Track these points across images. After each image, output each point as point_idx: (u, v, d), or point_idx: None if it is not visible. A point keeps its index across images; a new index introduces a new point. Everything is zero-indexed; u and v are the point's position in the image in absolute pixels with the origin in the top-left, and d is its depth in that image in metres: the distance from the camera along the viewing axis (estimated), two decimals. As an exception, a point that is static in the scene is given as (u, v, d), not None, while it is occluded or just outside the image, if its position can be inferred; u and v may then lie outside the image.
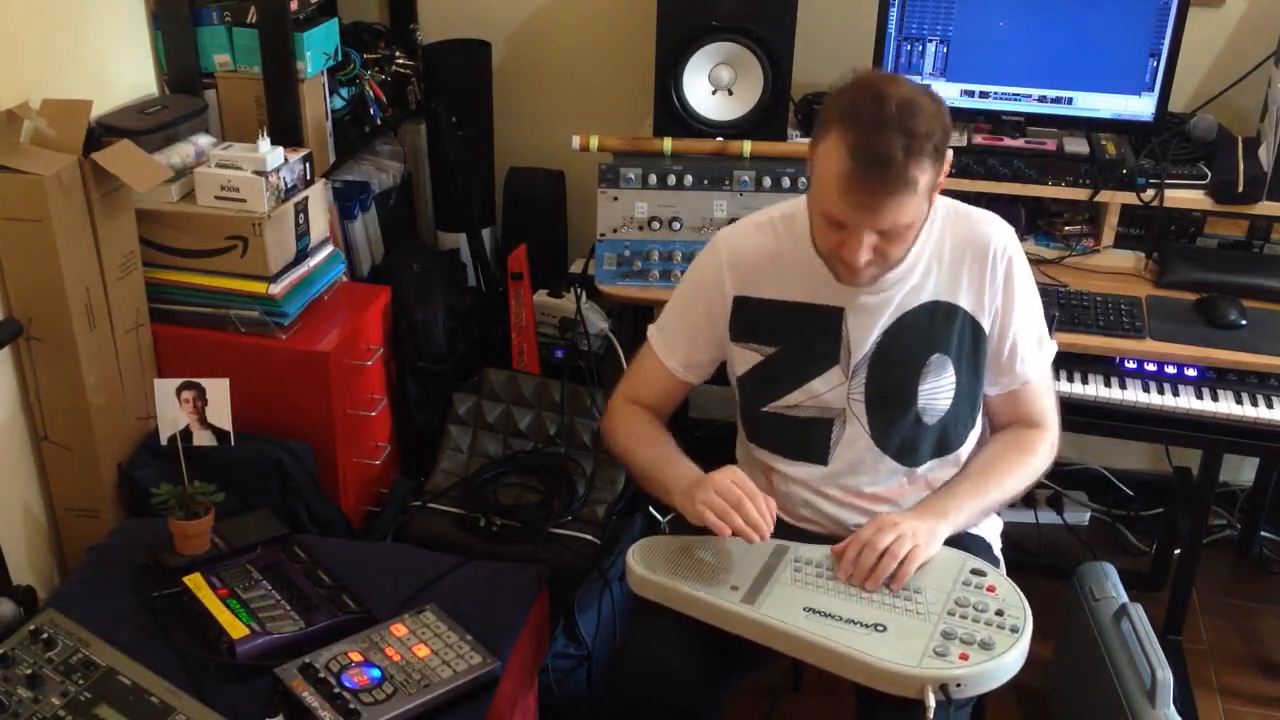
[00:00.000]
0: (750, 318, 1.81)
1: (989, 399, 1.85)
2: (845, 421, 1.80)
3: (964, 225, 1.76)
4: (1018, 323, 1.78)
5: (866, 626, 1.60)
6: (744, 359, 1.83)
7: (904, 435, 1.79)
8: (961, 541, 1.77)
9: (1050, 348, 1.86)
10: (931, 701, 1.51)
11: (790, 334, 1.79)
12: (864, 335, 1.76)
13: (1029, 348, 1.80)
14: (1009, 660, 1.56)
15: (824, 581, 1.68)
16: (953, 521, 1.73)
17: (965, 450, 1.85)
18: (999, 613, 1.61)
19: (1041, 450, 1.82)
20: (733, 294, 1.80)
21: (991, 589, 1.65)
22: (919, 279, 1.74)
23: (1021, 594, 1.65)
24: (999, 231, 1.77)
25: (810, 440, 1.82)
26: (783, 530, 1.84)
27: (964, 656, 1.54)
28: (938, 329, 1.76)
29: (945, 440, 1.81)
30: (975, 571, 1.69)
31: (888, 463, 1.80)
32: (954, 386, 1.77)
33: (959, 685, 1.53)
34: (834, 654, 1.58)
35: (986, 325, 1.77)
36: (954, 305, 1.76)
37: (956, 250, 1.75)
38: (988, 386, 1.83)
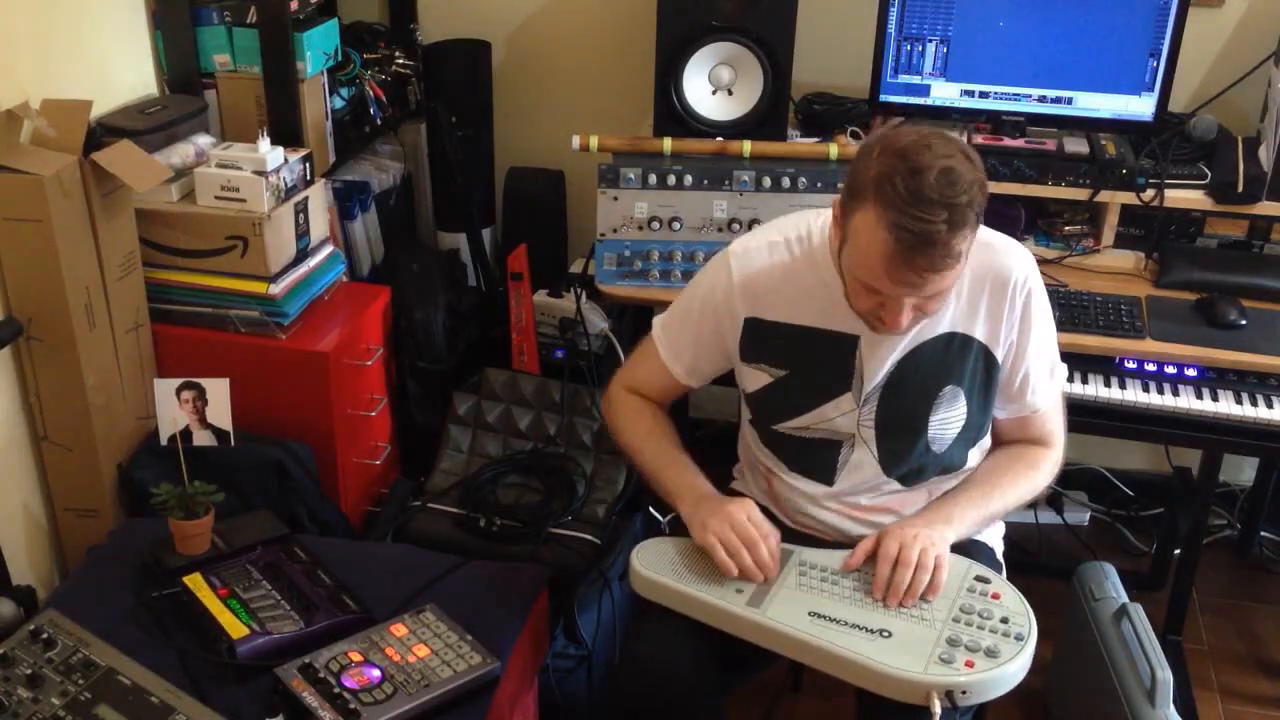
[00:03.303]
0: (761, 340, 1.78)
1: (997, 420, 1.84)
2: (854, 446, 1.78)
3: (985, 254, 1.70)
4: (1032, 355, 1.76)
5: (871, 632, 1.60)
6: (754, 379, 1.81)
7: (911, 463, 1.78)
8: (965, 547, 1.77)
9: (1061, 373, 1.85)
10: (937, 709, 1.51)
11: (802, 359, 1.76)
12: (878, 364, 1.73)
13: (1041, 378, 1.79)
14: (1014, 668, 1.55)
15: (829, 586, 1.68)
16: (957, 529, 1.73)
17: (970, 464, 1.84)
18: (1004, 620, 1.61)
19: (1045, 467, 1.82)
20: (744, 315, 1.77)
21: (996, 596, 1.65)
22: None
23: (1026, 602, 1.65)
24: (1019, 263, 1.72)
25: (817, 460, 1.81)
26: (784, 533, 1.84)
27: (970, 664, 1.54)
28: (953, 360, 1.73)
29: (950, 464, 1.81)
30: (980, 578, 1.69)
31: (891, 484, 1.80)
32: (964, 417, 1.76)
33: (964, 693, 1.53)
34: (839, 659, 1.57)
35: (1000, 355, 1.75)
36: (969, 337, 1.73)
37: (976, 281, 1.71)
38: (997, 410, 1.82)
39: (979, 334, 1.74)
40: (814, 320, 1.74)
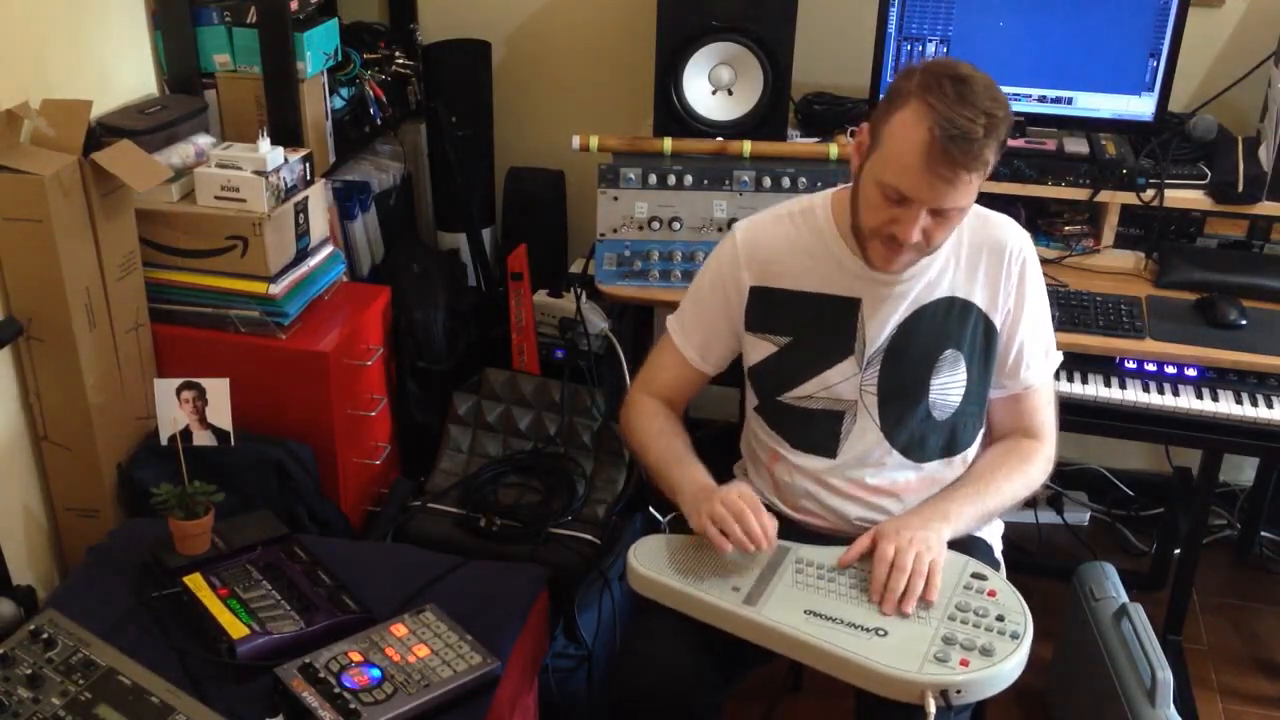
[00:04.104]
0: (766, 308, 1.82)
1: (991, 402, 1.85)
2: (856, 414, 1.80)
3: (982, 226, 1.78)
4: (1027, 326, 1.79)
5: (867, 630, 1.60)
6: (758, 349, 1.83)
7: (913, 430, 1.79)
8: (963, 544, 1.77)
9: (1056, 358, 1.86)
10: (932, 707, 1.51)
11: (805, 324, 1.80)
12: (879, 327, 1.77)
13: (1035, 354, 1.81)
14: (1009, 667, 1.55)
15: (825, 584, 1.68)
16: (954, 526, 1.73)
17: (972, 451, 1.85)
18: (1000, 618, 1.61)
19: (1038, 461, 1.83)
20: (749, 284, 1.81)
21: (992, 593, 1.65)
22: (936, 274, 1.76)
23: (1022, 599, 1.65)
24: (1015, 234, 1.79)
25: (820, 432, 1.82)
26: (782, 525, 1.83)
27: (964, 662, 1.54)
28: (953, 324, 1.77)
29: (953, 439, 1.82)
30: (976, 575, 1.69)
31: (895, 457, 1.81)
32: (965, 383, 1.78)
33: (959, 691, 1.53)
34: (834, 657, 1.57)
35: (998, 323, 1.78)
36: (969, 302, 1.77)
37: (974, 248, 1.77)
38: (992, 389, 1.83)
39: (978, 300, 1.77)
40: (817, 285, 1.79)
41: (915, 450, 1.81)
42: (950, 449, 1.82)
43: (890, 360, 1.78)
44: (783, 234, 1.81)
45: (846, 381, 1.79)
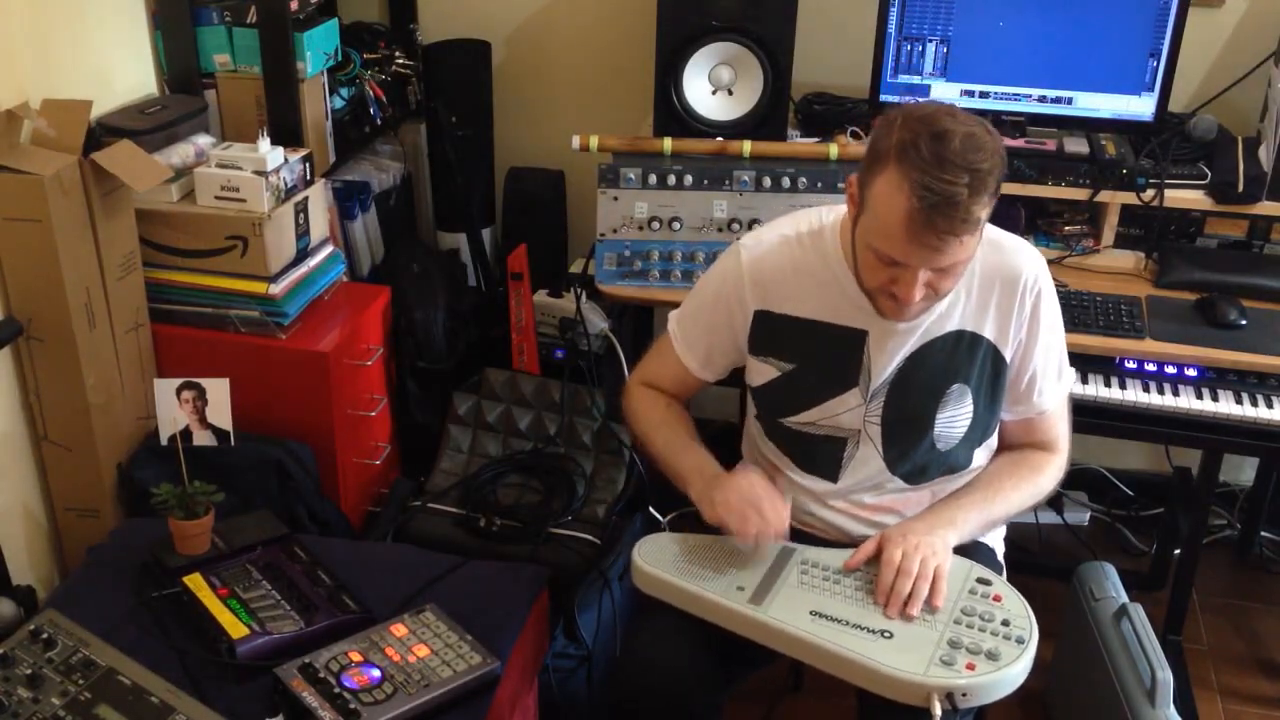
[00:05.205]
0: (770, 333, 1.78)
1: (1004, 422, 1.84)
2: (859, 442, 1.78)
3: (994, 253, 1.71)
4: (1040, 355, 1.76)
5: (873, 632, 1.59)
6: (761, 372, 1.81)
7: (916, 460, 1.78)
8: (965, 549, 1.76)
9: (1070, 376, 1.84)
10: (938, 710, 1.51)
11: (810, 353, 1.76)
12: (886, 360, 1.73)
13: (1048, 379, 1.79)
14: (1015, 671, 1.55)
15: (830, 585, 1.68)
16: (960, 532, 1.72)
17: (976, 464, 1.83)
18: (1005, 623, 1.61)
19: (1049, 472, 1.82)
20: (754, 307, 1.78)
21: (998, 598, 1.65)
22: (946, 307, 1.71)
23: (1027, 604, 1.65)
24: (1030, 262, 1.72)
25: (822, 457, 1.81)
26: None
27: (970, 666, 1.54)
28: (961, 358, 1.73)
29: (955, 464, 1.81)
30: (981, 580, 1.68)
31: (896, 482, 1.80)
32: (971, 416, 1.76)
33: (965, 695, 1.52)
34: (839, 659, 1.57)
35: (1008, 355, 1.75)
36: (978, 335, 1.73)
37: (986, 279, 1.71)
38: (1004, 412, 1.81)
39: (988, 333, 1.73)
40: (823, 314, 1.75)
41: (916, 477, 1.80)
42: (951, 470, 1.81)
43: (895, 393, 1.74)
44: (789, 257, 1.75)
45: (850, 412, 1.76)
